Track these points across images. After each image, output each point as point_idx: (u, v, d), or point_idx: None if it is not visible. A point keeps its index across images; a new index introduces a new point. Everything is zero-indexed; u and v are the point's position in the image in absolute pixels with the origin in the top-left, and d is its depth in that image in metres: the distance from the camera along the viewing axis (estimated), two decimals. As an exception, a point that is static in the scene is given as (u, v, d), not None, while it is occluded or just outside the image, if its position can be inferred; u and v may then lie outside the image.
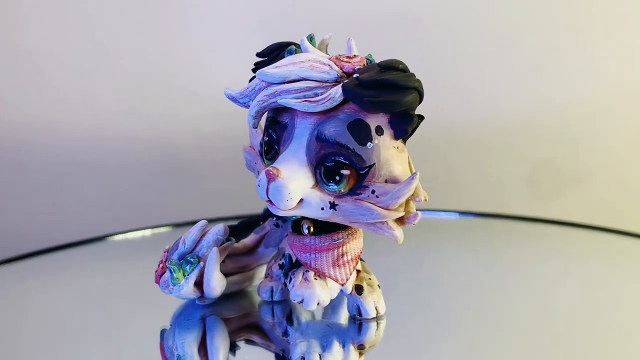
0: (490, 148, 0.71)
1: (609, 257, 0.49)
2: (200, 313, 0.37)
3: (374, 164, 0.30)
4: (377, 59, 0.32)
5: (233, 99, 0.32)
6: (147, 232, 0.55)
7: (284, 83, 0.30)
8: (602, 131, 0.70)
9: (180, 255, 0.35)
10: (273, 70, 0.30)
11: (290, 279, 0.34)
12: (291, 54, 0.32)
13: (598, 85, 0.69)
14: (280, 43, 0.33)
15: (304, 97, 0.30)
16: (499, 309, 0.39)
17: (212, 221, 0.57)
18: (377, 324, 0.34)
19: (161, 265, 0.36)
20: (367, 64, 0.31)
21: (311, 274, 0.33)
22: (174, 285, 0.34)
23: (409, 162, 0.31)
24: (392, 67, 0.30)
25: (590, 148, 0.70)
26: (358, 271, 0.35)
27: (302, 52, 0.32)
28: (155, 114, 0.69)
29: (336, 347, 0.32)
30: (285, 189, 0.30)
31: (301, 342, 0.33)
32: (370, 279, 0.35)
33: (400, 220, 0.31)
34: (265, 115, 0.33)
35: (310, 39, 0.32)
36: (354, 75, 0.30)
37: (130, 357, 0.34)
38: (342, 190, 0.30)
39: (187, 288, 0.34)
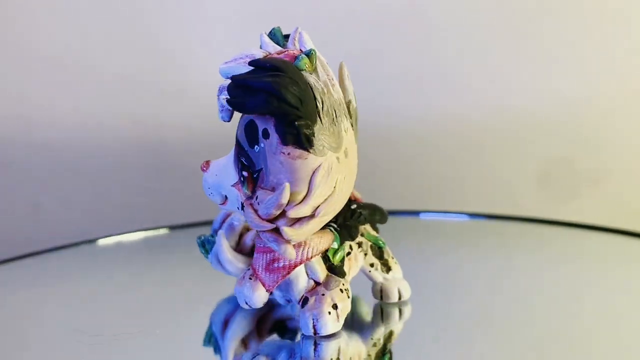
0: (501, 147, 0.71)
1: (627, 261, 0.49)
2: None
3: (261, 168, 0.30)
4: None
5: None
6: (139, 235, 0.56)
7: (227, 79, 0.30)
8: (621, 128, 0.70)
9: (212, 232, 0.38)
10: (222, 66, 0.31)
11: None
12: None
13: (617, 80, 0.69)
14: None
15: None
16: (509, 315, 0.38)
17: (207, 224, 0.57)
18: (315, 344, 0.32)
19: None
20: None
21: (248, 273, 0.34)
22: (207, 259, 0.38)
23: (314, 172, 0.29)
24: (259, 65, 0.29)
25: (608, 146, 0.70)
26: (317, 284, 0.33)
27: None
28: (144, 111, 0.69)
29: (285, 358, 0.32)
30: (205, 183, 0.32)
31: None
32: (323, 295, 0.33)
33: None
34: None
35: (273, 34, 0.32)
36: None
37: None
38: (247, 192, 0.31)
39: (214, 264, 0.37)
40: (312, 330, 0.32)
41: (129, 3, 0.67)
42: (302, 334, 0.33)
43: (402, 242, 0.51)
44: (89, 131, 0.68)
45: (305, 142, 0.29)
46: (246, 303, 0.33)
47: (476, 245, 0.54)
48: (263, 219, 0.30)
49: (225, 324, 0.37)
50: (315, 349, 0.32)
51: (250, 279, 0.33)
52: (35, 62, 0.67)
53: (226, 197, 0.32)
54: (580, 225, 0.55)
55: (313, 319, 0.32)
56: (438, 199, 0.71)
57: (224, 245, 0.37)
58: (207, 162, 0.32)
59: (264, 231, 0.30)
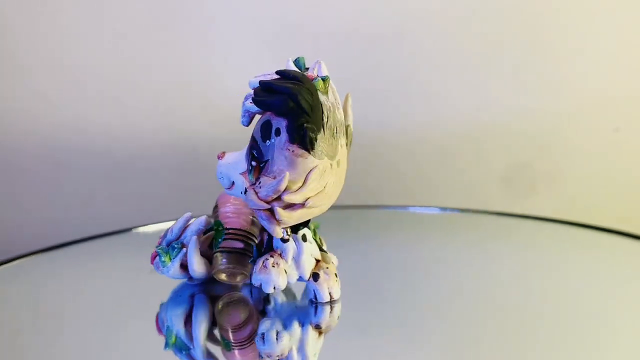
0: (472, 152, 0.73)
1: (577, 248, 0.51)
2: (190, 291, 0.40)
3: (268, 159, 0.31)
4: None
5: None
6: (171, 224, 0.56)
7: (253, 89, 0.33)
8: (571, 136, 0.72)
9: (168, 242, 0.39)
10: (252, 78, 0.33)
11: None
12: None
13: (567, 95, 0.71)
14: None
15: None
16: (474, 298, 0.40)
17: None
18: (331, 307, 0.36)
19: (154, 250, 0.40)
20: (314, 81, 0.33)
21: (269, 261, 0.35)
22: (163, 267, 0.38)
23: (310, 170, 0.31)
24: (284, 75, 0.31)
25: (560, 151, 0.72)
26: (317, 260, 0.37)
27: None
28: (179, 122, 0.71)
29: (295, 325, 0.34)
30: (219, 169, 0.34)
31: (266, 320, 0.35)
32: (327, 267, 0.36)
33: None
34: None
35: (298, 61, 0.34)
36: None
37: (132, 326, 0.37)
38: (252, 179, 0.32)
39: (174, 269, 0.38)
40: (329, 297, 0.36)
41: (167, 25, 0.69)
42: (309, 301, 0.36)
43: (389, 231, 0.54)
44: (132, 139, 0.70)
45: (308, 144, 0.30)
46: (274, 288, 0.35)
47: (450, 234, 0.55)
48: (262, 200, 0.32)
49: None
50: (331, 311, 0.36)
51: (273, 266, 0.35)
52: (89, 84, 0.70)
53: (233, 182, 0.33)
54: (537, 218, 0.57)
55: (329, 288, 0.36)
56: (421, 195, 0.72)
57: (196, 251, 0.38)
58: (223, 153, 0.34)
59: (260, 210, 0.32)
